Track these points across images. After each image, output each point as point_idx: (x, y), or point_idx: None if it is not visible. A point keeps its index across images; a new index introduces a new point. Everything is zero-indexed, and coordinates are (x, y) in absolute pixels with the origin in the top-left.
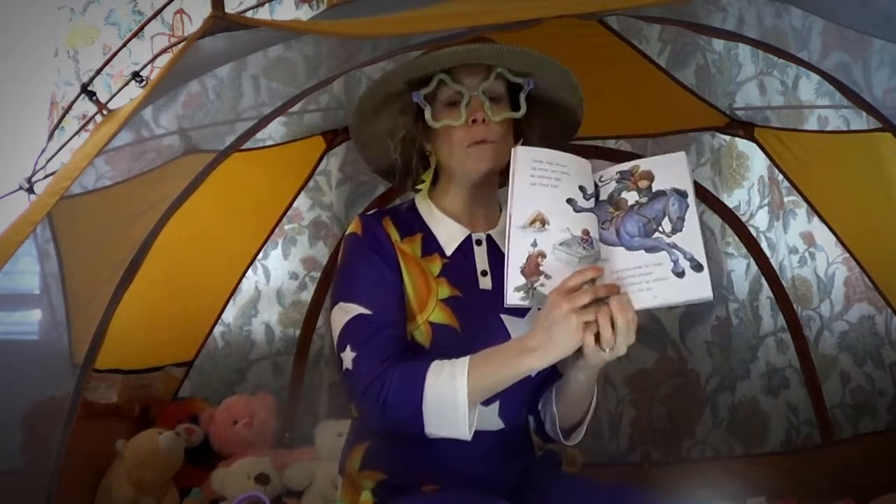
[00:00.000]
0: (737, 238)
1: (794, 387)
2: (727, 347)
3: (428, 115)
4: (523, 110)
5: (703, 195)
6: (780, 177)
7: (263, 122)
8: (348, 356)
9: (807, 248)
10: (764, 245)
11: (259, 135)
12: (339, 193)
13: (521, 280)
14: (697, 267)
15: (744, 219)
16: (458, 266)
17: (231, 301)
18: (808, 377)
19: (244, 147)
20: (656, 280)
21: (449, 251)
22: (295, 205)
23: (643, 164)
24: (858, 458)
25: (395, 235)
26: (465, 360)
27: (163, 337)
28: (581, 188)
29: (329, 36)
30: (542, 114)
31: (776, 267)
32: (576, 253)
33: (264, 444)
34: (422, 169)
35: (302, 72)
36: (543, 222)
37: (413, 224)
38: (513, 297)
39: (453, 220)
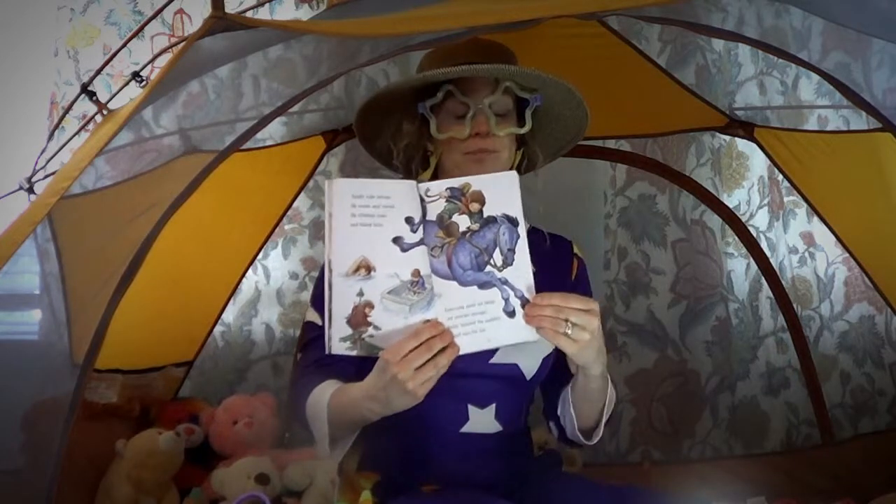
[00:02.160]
0: (737, 238)
1: (794, 387)
2: (727, 347)
3: (433, 126)
4: (528, 126)
5: (703, 195)
6: (780, 177)
7: (263, 122)
8: (298, 356)
9: (807, 248)
10: (764, 245)
11: (259, 135)
12: None
13: (348, 331)
14: (526, 305)
15: (744, 219)
16: None
17: (231, 301)
18: (808, 377)
19: (244, 147)
20: (489, 320)
21: None
22: (295, 205)
23: (474, 182)
24: (858, 458)
25: None
26: (332, 389)
27: (163, 337)
28: (408, 219)
29: (329, 36)
30: (547, 126)
31: (776, 267)
32: (406, 300)
33: (264, 444)
34: (422, 169)
35: (302, 72)
36: (369, 269)
37: None
38: (338, 347)
39: None
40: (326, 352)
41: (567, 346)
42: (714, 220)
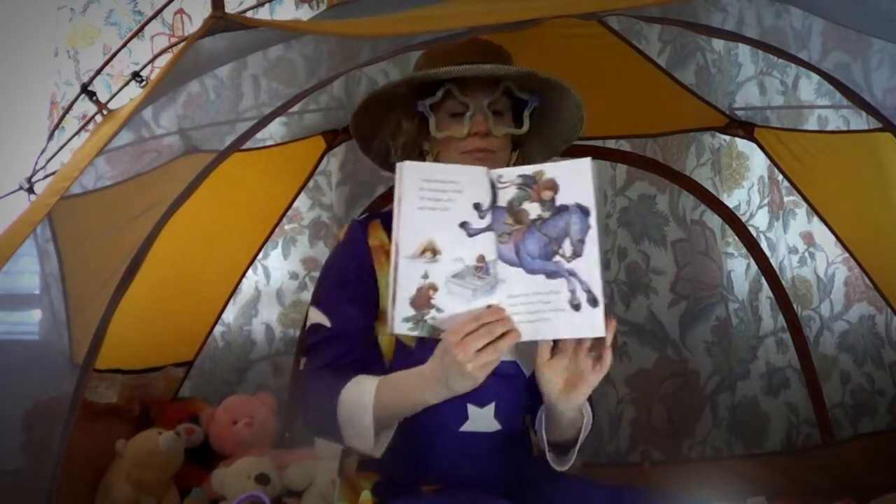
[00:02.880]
0: (737, 238)
1: (794, 387)
2: (727, 347)
3: (432, 124)
4: (526, 127)
5: (703, 195)
6: (780, 177)
7: (263, 122)
8: (303, 360)
9: (807, 248)
10: (764, 245)
11: (259, 135)
12: (339, 193)
13: (411, 311)
14: (593, 301)
15: (744, 219)
16: None
17: (231, 301)
18: (808, 377)
19: (244, 147)
20: (553, 310)
21: None
22: (295, 205)
23: (548, 170)
24: (858, 458)
25: (380, 239)
26: (376, 379)
27: (163, 337)
28: (476, 205)
29: (329, 36)
30: (542, 127)
31: (776, 267)
32: (470, 285)
33: (264, 444)
34: None
35: (302, 72)
36: (434, 252)
37: None
38: (400, 327)
39: None
40: (388, 332)
41: (571, 401)
42: (714, 220)
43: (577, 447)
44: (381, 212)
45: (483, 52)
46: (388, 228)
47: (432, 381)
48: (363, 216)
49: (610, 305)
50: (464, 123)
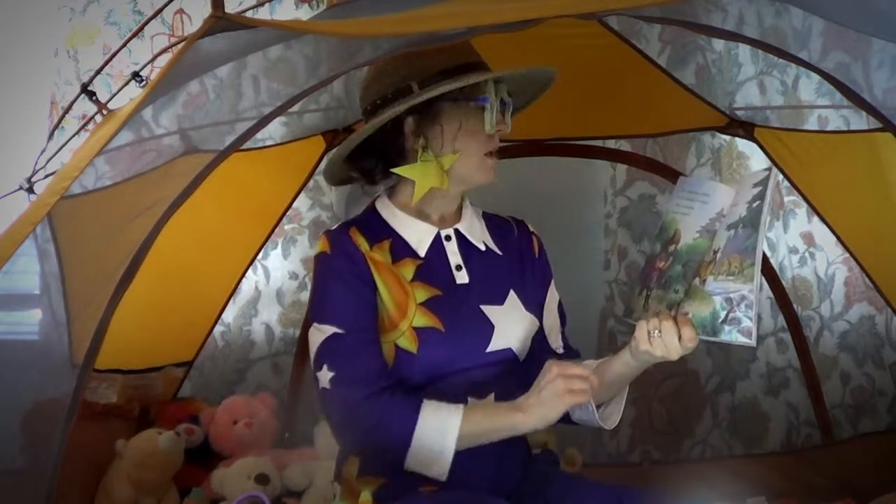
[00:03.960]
0: None
1: (794, 387)
2: (727, 347)
3: (488, 120)
4: (509, 128)
5: None
6: (781, 176)
7: (263, 122)
8: (325, 375)
9: (807, 248)
10: (764, 245)
11: (259, 135)
12: (339, 193)
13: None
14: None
15: None
16: (433, 265)
17: (231, 301)
18: (808, 377)
19: (244, 147)
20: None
21: (422, 251)
22: (295, 205)
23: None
24: (858, 458)
25: (364, 245)
26: (460, 408)
27: (163, 337)
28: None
29: (329, 36)
30: None
31: (776, 267)
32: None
33: (264, 444)
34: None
35: (302, 72)
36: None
37: (379, 230)
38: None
39: (419, 219)
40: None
41: (655, 349)
42: None
43: (622, 403)
44: (352, 219)
45: (475, 53)
46: (366, 234)
47: (531, 402)
48: (336, 226)
49: (609, 306)
50: (487, 122)
